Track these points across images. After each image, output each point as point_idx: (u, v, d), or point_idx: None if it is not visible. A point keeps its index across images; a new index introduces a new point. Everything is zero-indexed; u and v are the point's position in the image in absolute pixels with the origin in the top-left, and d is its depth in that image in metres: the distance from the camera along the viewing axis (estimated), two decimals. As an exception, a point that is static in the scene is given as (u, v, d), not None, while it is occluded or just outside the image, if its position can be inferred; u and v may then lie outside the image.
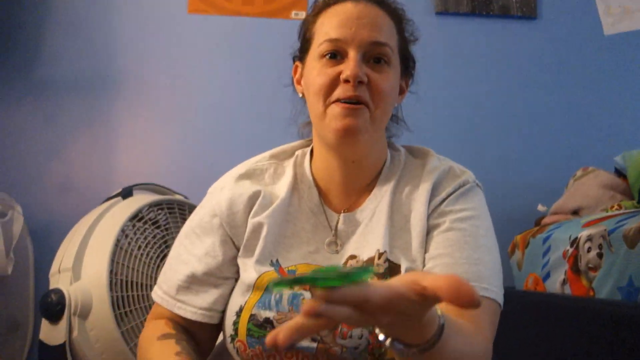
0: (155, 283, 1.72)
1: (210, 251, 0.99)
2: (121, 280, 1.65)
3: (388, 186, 1.00)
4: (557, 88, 2.49)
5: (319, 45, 0.96)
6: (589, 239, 1.52)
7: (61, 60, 2.62)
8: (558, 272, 1.68)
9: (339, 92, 0.93)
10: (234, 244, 0.99)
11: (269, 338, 0.50)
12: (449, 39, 2.49)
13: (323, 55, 0.95)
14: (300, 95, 1.05)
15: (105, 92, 2.61)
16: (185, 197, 2.01)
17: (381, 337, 0.63)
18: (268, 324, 0.89)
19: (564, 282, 1.64)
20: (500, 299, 0.90)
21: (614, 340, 1.28)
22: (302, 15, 2.46)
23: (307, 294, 0.91)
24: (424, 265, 0.93)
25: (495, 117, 2.48)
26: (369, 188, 1.02)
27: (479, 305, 0.49)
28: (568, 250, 1.62)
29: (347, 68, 0.92)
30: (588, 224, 1.60)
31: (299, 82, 1.05)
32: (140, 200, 1.83)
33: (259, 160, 1.07)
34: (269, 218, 0.97)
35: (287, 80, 1.10)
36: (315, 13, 1.02)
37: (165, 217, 1.85)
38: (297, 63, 1.06)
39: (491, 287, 0.88)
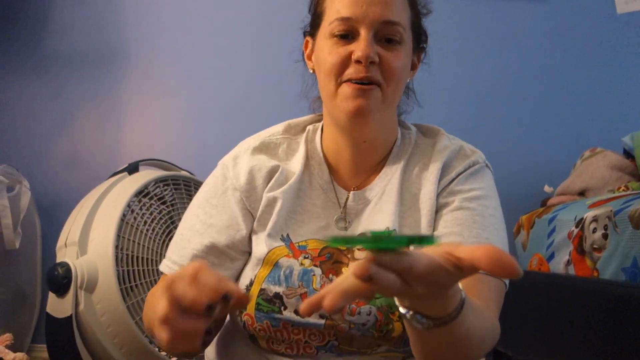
0: (160, 258, 1.74)
1: (233, 224, 0.97)
2: (127, 255, 1.66)
3: (398, 165, 1.00)
4: (566, 68, 2.46)
5: (329, 23, 0.94)
6: (595, 219, 1.51)
7: (69, 34, 2.62)
8: (562, 252, 1.68)
9: (350, 72, 0.91)
10: (253, 218, 0.99)
11: (306, 305, 0.50)
12: (458, 19, 2.46)
13: (334, 35, 0.94)
14: (311, 71, 1.04)
15: (113, 66, 2.61)
16: (191, 173, 2.02)
17: (403, 310, 0.63)
18: (277, 299, 0.89)
19: (568, 263, 1.64)
20: (507, 280, 0.90)
21: (618, 321, 1.28)
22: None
23: (317, 270, 0.91)
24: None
25: (504, 98, 2.47)
26: (379, 167, 1.02)
27: (521, 275, 0.48)
28: (573, 230, 1.62)
29: (359, 48, 0.90)
30: (594, 205, 1.59)
31: (309, 58, 1.04)
32: (146, 175, 1.83)
33: (272, 133, 1.06)
34: (284, 194, 0.97)
35: (297, 56, 1.08)
36: None
37: (171, 193, 1.86)
38: (308, 38, 1.04)
39: None
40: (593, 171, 2.00)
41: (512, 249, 0.96)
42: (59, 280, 1.57)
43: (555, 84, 2.46)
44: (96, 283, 1.60)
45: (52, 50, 2.63)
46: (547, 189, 2.21)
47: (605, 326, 1.31)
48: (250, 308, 0.91)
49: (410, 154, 1.02)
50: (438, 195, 0.96)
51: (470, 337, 0.71)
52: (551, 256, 1.75)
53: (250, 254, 0.98)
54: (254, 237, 0.98)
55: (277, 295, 0.89)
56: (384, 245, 0.49)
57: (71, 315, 1.57)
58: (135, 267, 1.66)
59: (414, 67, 1.03)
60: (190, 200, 1.87)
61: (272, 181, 0.98)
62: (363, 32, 0.91)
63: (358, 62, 0.90)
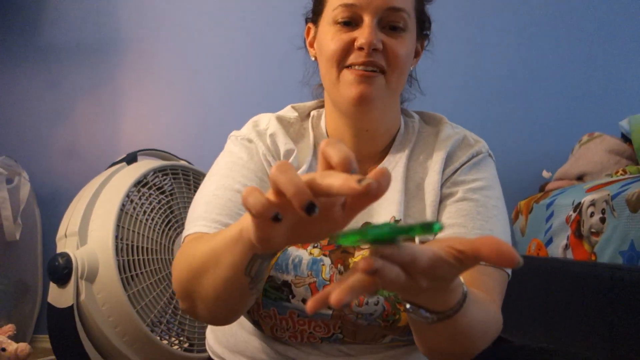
0: (161, 247, 1.75)
1: (264, 184, 0.95)
2: (127, 244, 1.67)
3: (402, 154, 1.00)
4: (563, 52, 2.46)
5: (333, 10, 0.93)
6: (592, 203, 1.52)
7: (65, 25, 2.61)
8: (560, 237, 1.68)
9: (352, 58, 0.90)
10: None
11: (312, 303, 0.49)
12: (458, 5, 2.46)
13: (337, 22, 0.92)
14: (313, 58, 1.02)
15: (110, 56, 2.60)
16: (190, 163, 2.02)
17: (408, 305, 0.64)
18: (286, 287, 0.89)
19: (566, 247, 1.64)
20: (510, 270, 0.91)
21: (615, 303, 1.29)
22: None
23: (326, 260, 0.91)
24: (435, 236, 0.93)
25: (501, 83, 2.46)
26: (381, 155, 1.01)
27: (521, 264, 0.49)
28: (571, 215, 1.62)
29: (362, 35, 0.89)
30: (591, 189, 1.60)
31: (311, 45, 1.02)
32: (144, 165, 1.83)
33: (285, 111, 1.05)
34: None
35: (299, 43, 1.07)
36: None
37: (170, 182, 1.86)
38: (310, 25, 1.03)
39: None
40: (591, 156, 2.00)
41: (511, 234, 0.97)
42: (60, 270, 1.58)
43: (553, 68, 2.45)
44: (97, 273, 1.60)
45: (48, 40, 2.62)
46: (545, 174, 2.21)
47: (603, 309, 1.32)
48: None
49: (415, 143, 1.01)
50: (442, 185, 0.96)
51: (473, 329, 0.71)
52: (549, 241, 1.76)
53: None
54: None
55: (286, 284, 0.89)
56: (387, 234, 0.49)
57: (72, 305, 1.58)
58: (136, 256, 1.67)
59: (417, 55, 1.02)
60: (189, 189, 1.89)
61: None
62: (367, 19, 0.90)
63: (361, 49, 0.89)
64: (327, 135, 1.02)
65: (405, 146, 1.01)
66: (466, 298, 0.64)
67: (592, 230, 1.50)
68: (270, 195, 0.53)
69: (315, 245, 0.92)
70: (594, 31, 2.45)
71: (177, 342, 1.77)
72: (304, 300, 0.89)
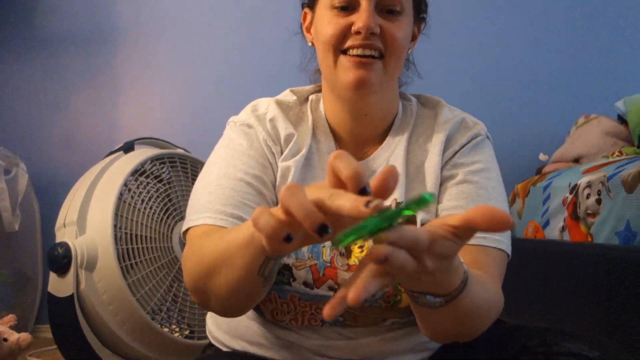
0: (159, 236, 1.76)
1: (266, 169, 0.95)
2: (126, 233, 1.67)
3: (402, 137, 0.99)
4: (558, 34, 2.45)
5: None
6: (588, 185, 1.52)
7: (60, 14, 2.59)
8: (557, 219, 1.69)
9: (350, 42, 0.90)
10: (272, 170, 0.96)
11: (329, 310, 0.49)
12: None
13: (334, 6, 0.92)
14: (310, 44, 1.02)
15: (105, 46, 2.59)
16: (187, 151, 2.02)
17: (416, 294, 0.65)
18: (286, 270, 0.89)
19: (562, 229, 1.65)
20: (509, 250, 0.92)
21: (612, 283, 1.30)
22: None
23: (326, 242, 0.89)
24: (436, 217, 0.94)
25: (497, 66, 2.46)
26: (380, 138, 1.01)
27: (514, 226, 0.50)
28: (567, 197, 1.63)
29: (360, 19, 0.88)
30: (588, 171, 1.61)
31: (308, 30, 1.02)
32: (141, 154, 1.84)
33: (284, 95, 1.05)
34: (297, 162, 0.95)
35: (296, 28, 1.07)
36: None
37: (168, 171, 1.86)
38: (306, 10, 1.01)
39: (503, 239, 0.90)
40: (587, 138, 2.00)
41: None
42: (59, 260, 1.59)
43: (548, 51, 2.45)
44: (96, 262, 1.61)
45: (44, 30, 2.61)
46: (542, 157, 2.22)
47: (600, 289, 1.33)
48: None
49: (414, 126, 1.01)
50: (442, 168, 0.96)
51: (477, 309, 0.72)
52: (546, 223, 1.77)
53: None
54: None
55: (286, 267, 0.89)
56: (384, 222, 0.49)
57: (73, 294, 1.58)
58: (135, 245, 1.68)
59: (414, 38, 1.01)
60: (187, 177, 1.89)
61: (287, 150, 0.96)
62: (364, 3, 0.89)
63: (358, 33, 0.89)
64: (327, 119, 1.01)
65: (404, 129, 1.01)
66: (468, 278, 0.65)
67: (589, 211, 1.51)
68: (280, 214, 0.53)
69: None
70: (588, 13, 2.45)
71: (177, 329, 1.78)
72: (305, 283, 0.89)
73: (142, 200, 1.75)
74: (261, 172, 0.94)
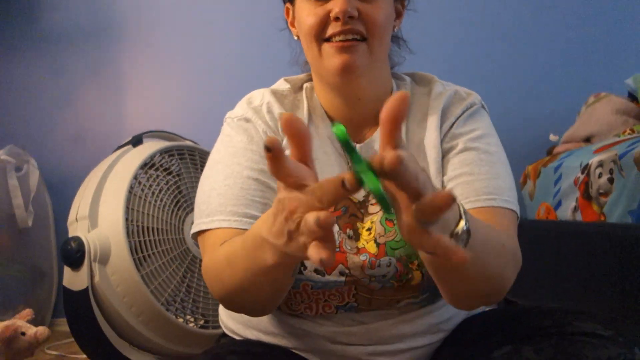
0: (171, 228, 1.77)
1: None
2: (137, 226, 1.68)
3: None
4: (565, 12, 2.41)
5: None
6: (600, 164, 1.51)
7: (64, 9, 2.60)
8: (569, 199, 1.68)
9: (330, 29, 0.91)
10: None
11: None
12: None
13: None
14: (296, 37, 1.03)
15: (110, 39, 2.59)
16: (195, 143, 2.03)
17: (464, 225, 0.66)
18: None
19: (575, 210, 1.64)
20: (518, 210, 0.93)
21: (625, 263, 1.29)
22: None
23: (334, 226, 0.90)
24: (443, 188, 0.93)
25: (505, 45, 2.43)
26: (377, 120, 1.01)
27: (455, 199, 0.54)
28: (579, 177, 1.62)
29: (336, 5, 0.89)
30: (599, 150, 1.59)
31: (292, 25, 1.03)
32: (150, 147, 1.84)
33: (278, 84, 1.06)
34: None
35: (282, 24, 1.07)
36: None
37: (177, 163, 1.87)
38: (288, 5, 1.03)
39: (511, 199, 0.91)
40: (598, 117, 1.98)
41: (519, 199, 0.97)
42: (73, 254, 1.60)
43: (556, 28, 2.41)
44: (109, 255, 1.62)
45: (48, 27, 2.61)
46: (552, 137, 2.19)
47: (613, 269, 1.33)
48: None
49: (409, 105, 1.01)
50: (441, 142, 0.96)
51: (495, 259, 0.77)
52: (558, 204, 1.75)
53: None
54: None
55: None
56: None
57: (87, 287, 1.60)
58: (147, 237, 1.69)
59: (399, 16, 1.01)
60: (196, 169, 1.90)
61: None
62: None
63: (337, 19, 0.89)
64: (322, 106, 1.02)
65: None
66: (465, 210, 0.67)
67: (601, 191, 1.50)
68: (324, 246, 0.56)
69: None
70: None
71: (192, 319, 1.79)
72: (316, 271, 0.89)
73: (153, 193, 1.76)
74: (265, 165, 0.94)
